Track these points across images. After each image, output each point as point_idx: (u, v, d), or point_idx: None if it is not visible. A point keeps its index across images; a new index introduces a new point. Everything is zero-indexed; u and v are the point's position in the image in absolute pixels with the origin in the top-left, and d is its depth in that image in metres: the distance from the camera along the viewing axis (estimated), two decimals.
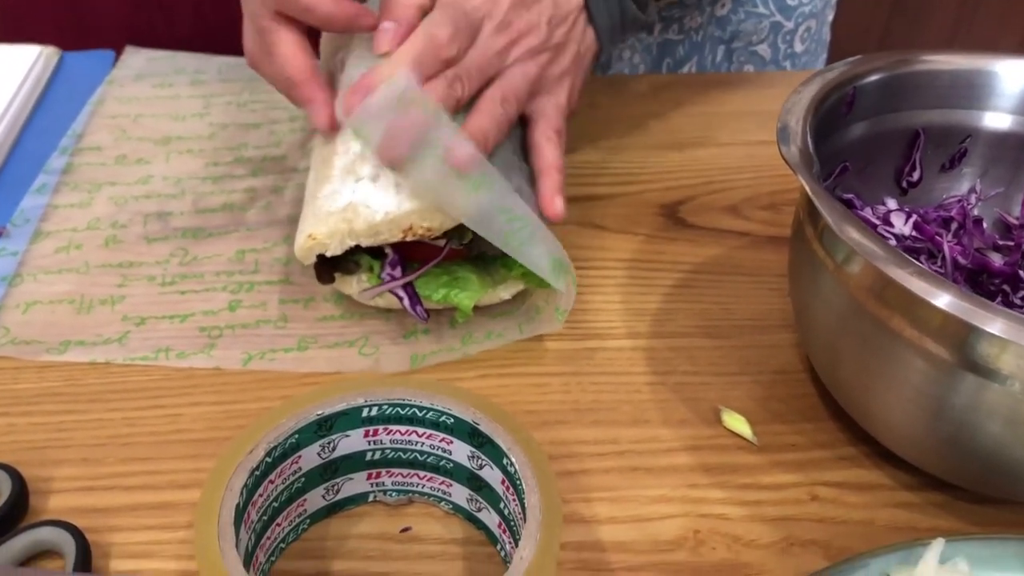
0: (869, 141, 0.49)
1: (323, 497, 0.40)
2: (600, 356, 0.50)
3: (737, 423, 0.46)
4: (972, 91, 0.49)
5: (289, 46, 0.49)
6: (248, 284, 0.53)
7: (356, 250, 0.47)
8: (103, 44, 0.78)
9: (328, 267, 0.48)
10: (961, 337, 0.35)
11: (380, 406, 0.37)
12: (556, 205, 0.49)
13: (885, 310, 0.37)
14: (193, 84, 0.71)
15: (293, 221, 0.51)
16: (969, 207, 0.51)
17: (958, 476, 0.42)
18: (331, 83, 0.51)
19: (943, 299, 0.34)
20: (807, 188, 0.37)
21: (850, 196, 0.50)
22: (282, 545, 0.39)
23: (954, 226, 0.50)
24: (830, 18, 0.82)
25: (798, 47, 0.80)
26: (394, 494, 0.41)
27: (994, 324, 0.33)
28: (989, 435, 0.37)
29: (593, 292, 0.54)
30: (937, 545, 0.36)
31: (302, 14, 0.48)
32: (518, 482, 0.35)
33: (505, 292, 0.50)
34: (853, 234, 0.36)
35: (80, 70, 0.70)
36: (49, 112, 0.66)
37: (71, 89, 0.68)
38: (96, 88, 0.69)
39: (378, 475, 0.40)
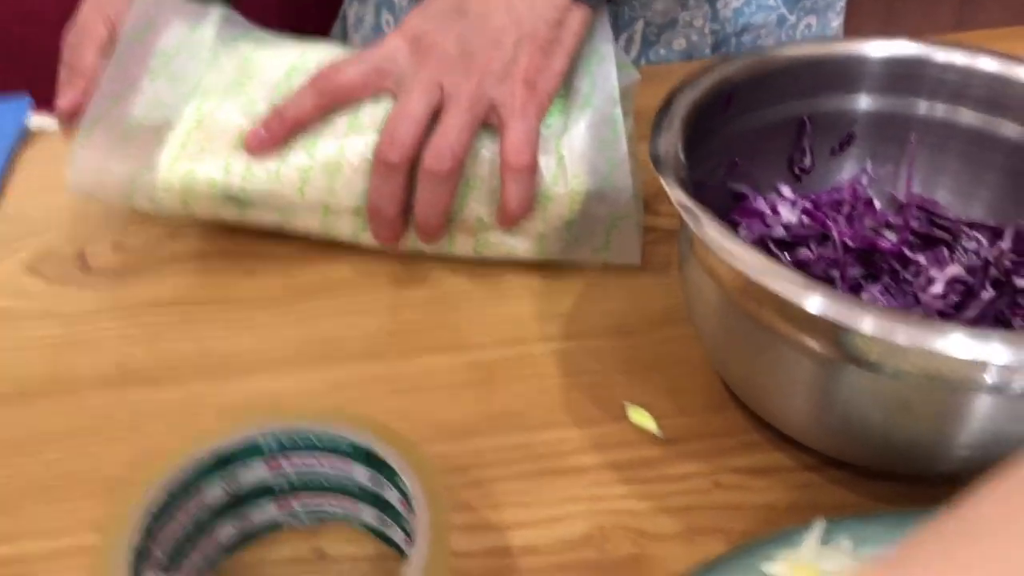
0: (757, 133, 0.50)
1: (233, 527, 0.41)
2: (512, 363, 0.51)
3: (642, 418, 0.47)
4: (846, 76, 0.50)
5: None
6: None
7: None
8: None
9: None
10: (832, 332, 0.36)
11: (277, 437, 0.39)
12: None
13: (758, 308, 0.39)
14: None
15: None
16: (861, 188, 0.52)
17: (855, 457, 0.43)
18: None
19: (810, 300, 0.35)
20: (668, 191, 0.38)
21: (743, 190, 0.51)
22: None
23: (846, 208, 0.52)
24: (834, 23, 0.83)
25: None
26: (306, 518, 0.42)
27: (863, 321, 0.34)
28: (877, 421, 0.39)
29: (507, 300, 0.55)
30: (818, 527, 0.37)
31: None
32: (412, 501, 0.36)
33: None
34: (715, 237, 0.37)
35: None
36: None
37: None
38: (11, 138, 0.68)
39: (287, 502, 0.41)
